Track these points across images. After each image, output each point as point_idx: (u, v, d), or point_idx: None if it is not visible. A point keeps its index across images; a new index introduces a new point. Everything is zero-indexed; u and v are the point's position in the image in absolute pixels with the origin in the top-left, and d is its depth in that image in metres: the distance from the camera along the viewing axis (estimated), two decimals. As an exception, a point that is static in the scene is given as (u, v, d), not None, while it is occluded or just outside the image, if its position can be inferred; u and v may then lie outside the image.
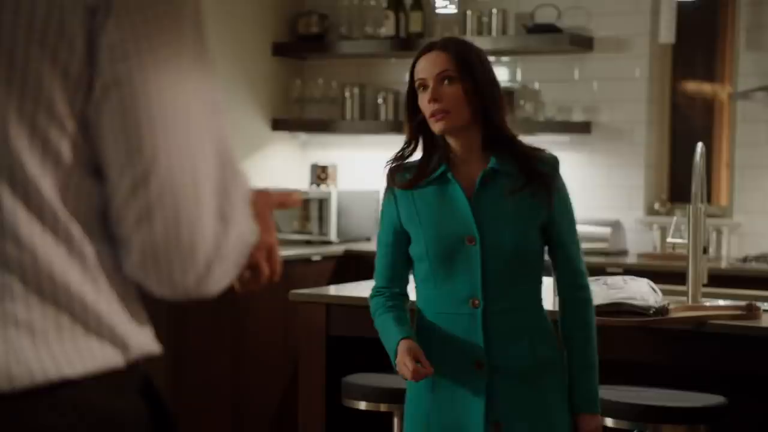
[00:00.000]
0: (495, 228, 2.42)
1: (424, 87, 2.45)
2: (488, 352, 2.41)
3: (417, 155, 2.53)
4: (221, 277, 1.18)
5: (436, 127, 2.43)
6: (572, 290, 2.52)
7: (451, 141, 2.47)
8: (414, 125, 2.49)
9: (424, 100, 2.45)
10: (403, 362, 2.35)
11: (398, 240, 2.50)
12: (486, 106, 2.43)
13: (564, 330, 2.51)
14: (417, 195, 2.47)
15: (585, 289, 2.54)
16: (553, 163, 2.48)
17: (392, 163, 2.52)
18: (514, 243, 2.41)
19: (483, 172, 2.44)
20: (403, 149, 2.53)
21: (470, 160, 2.47)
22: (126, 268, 1.14)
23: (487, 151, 2.46)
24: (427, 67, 2.45)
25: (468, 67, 2.43)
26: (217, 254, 1.15)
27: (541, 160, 2.46)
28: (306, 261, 5.10)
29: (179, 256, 1.12)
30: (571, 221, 2.54)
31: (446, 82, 2.42)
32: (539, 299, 2.50)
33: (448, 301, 2.43)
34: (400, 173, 2.50)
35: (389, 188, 2.52)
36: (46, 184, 1.11)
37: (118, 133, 1.11)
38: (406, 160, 2.52)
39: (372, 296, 2.55)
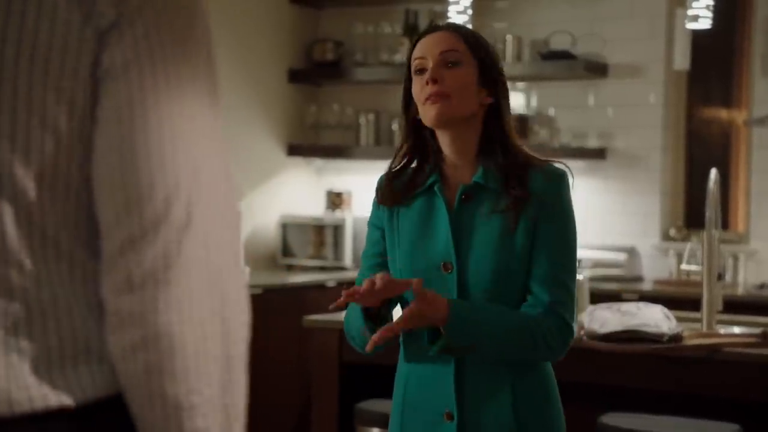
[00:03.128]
0: (473, 254, 2.00)
1: (422, 70, 2.01)
2: (460, 402, 2.03)
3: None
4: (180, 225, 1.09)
5: (431, 112, 1.98)
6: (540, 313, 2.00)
7: (444, 137, 2.05)
8: (410, 124, 2.07)
9: (418, 84, 2.01)
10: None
11: (384, 262, 2.11)
12: (495, 100, 2.02)
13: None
14: (402, 211, 2.08)
15: (568, 332, 2.01)
16: (555, 178, 2.04)
17: (387, 174, 2.13)
18: (495, 274, 1.99)
19: (462, 187, 2.03)
20: (396, 157, 2.11)
21: (461, 166, 2.06)
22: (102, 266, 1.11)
23: (481, 158, 2.04)
24: (430, 45, 2.01)
25: (480, 51, 2.01)
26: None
27: (544, 174, 2.03)
28: (320, 287, 5.11)
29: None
30: (558, 250, 2.01)
31: (450, 64, 2.00)
32: None
33: (422, 336, 2.04)
34: (390, 185, 2.10)
35: (374, 203, 2.14)
36: (51, 211, 1.10)
37: (113, 155, 1.08)
38: (406, 168, 2.11)
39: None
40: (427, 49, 2.02)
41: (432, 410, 2.06)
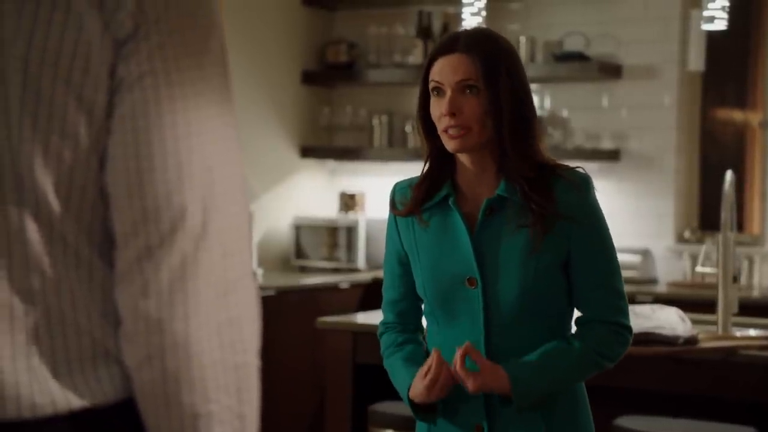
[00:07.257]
0: (499, 269, 2.01)
1: (439, 91, 2.04)
2: (489, 416, 2.04)
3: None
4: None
5: (451, 145, 2.02)
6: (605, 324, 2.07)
7: (463, 157, 2.07)
8: (430, 139, 2.08)
9: (437, 108, 2.03)
10: (422, 390, 2.02)
11: (406, 270, 2.13)
12: (513, 121, 2.01)
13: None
14: (417, 224, 2.10)
15: (624, 333, 2.08)
16: (581, 186, 2.05)
17: (401, 183, 2.15)
18: (522, 288, 2.00)
19: (487, 201, 2.04)
20: (426, 172, 2.11)
21: (481, 182, 2.07)
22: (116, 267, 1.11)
23: (502, 172, 2.04)
24: (447, 71, 2.02)
25: (496, 76, 2.00)
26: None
27: (568, 184, 2.04)
28: (333, 288, 5.10)
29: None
30: (601, 257, 2.08)
31: (468, 91, 2.01)
32: None
33: (449, 346, 2.03)
34: (403, 194, 2.12)
35: (390, 220, 2.16)
36: (69, 219, 1.10)
37: (129, 164, 1.08)
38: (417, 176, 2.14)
39: (381, 333, 2.20)
40: (444, 76, 2.03)
41: (461, 424, 2.06)
